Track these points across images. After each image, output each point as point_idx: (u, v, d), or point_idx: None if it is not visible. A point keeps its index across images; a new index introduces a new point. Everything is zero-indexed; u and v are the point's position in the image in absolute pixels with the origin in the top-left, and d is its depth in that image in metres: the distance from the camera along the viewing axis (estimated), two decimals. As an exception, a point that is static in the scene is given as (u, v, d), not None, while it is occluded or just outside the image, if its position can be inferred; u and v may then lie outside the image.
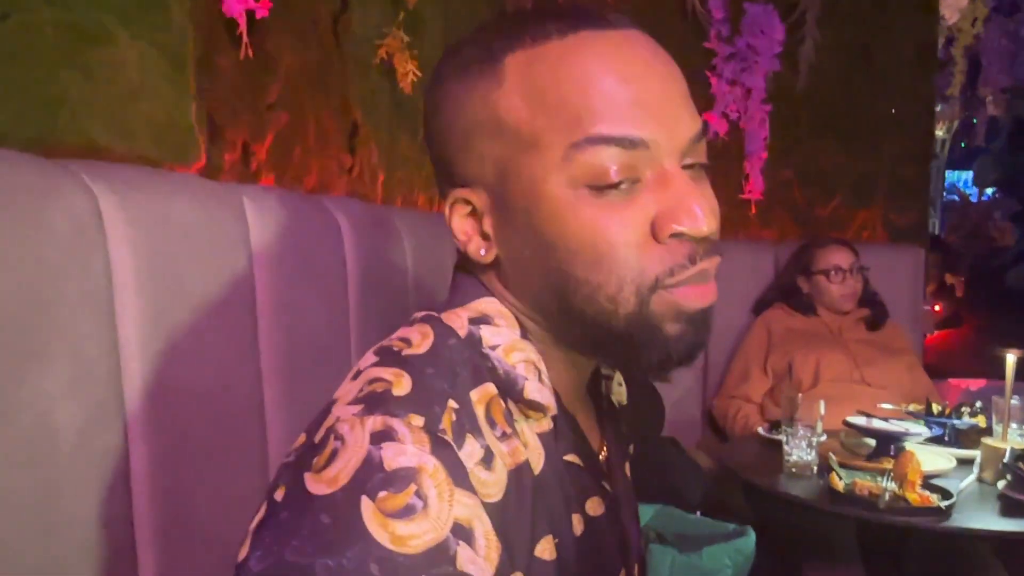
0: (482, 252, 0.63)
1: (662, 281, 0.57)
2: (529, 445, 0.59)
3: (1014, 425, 1.78)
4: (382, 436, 0.50)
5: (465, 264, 0.67)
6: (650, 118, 0.56)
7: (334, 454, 0.50)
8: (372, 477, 0.48)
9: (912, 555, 1.75)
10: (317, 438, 0.52)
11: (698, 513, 1.67)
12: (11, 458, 0.68)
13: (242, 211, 1.05)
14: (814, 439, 1.75)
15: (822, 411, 1.76)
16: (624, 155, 0.56)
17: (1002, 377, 1.82)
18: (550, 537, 0.58)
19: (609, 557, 0.67)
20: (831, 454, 1.73)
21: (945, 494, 1.54)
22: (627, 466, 0.80)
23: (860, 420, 1.88)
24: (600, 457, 0.70)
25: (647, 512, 1.61)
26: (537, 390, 0.60)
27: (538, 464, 0.59)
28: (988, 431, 1.86)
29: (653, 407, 2.03)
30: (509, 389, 0.59)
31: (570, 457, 0.63)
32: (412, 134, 1.96)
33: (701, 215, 0.56)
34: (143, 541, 0.84)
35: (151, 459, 0.85)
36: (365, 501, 0.48)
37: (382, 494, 0.48)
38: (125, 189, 0.85)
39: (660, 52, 0.60)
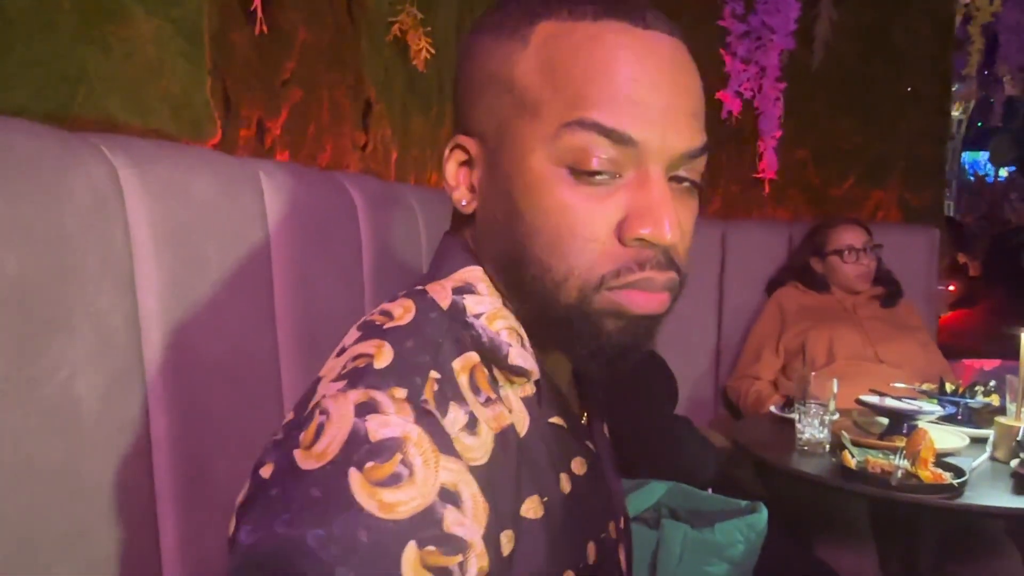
0: (464, 203, 0.65)
1: (607, 282, 0.59)
2: (514, 410, 0.61)
3: (1028, 404, 1.78)
4: (366, 408, 0.51)
5: (454, 219, 0.69)
6: (647, 120, 0.57)
7: (320, 429, 0.51)
8: (359, 449, 0.50)
9: (924, 533, 1.76)
10: (303, 414, 0.54)
11: (710, 490, 1.68)
12: (35, 427, 0.69)
13: (259, 186, 1.06)
14: (826, 417, 1.75)
15: (835, 389, 1.76)
16: (611, 148, 0.57)
17: (1016, 357, 1.82)
18: (536, 497, 0.59)
19: (596, 512, 0.69)
20: (843, 432, 1.73)
21: (958, 472, 1.54)
22: (605, 427, 0.82)
23: (873, 399, 1.88)
24: (583, 419, 0.72)
25: (660, 489, 1.61)
26: (520, 356, 0.62)
27: (523, 427, 0.61)
28: (1001, 410, 1.86)
29: (667, 386, 2.03)
30: (494, 356, 0.61)
31: (555, 419, 0.65)
32: (425, 112, 1.96)
33: (667, 226, 0.57)
34: (164, 508, 0.85)
35: (171, 428, 0.86)
36: (353, 472, 0.49)
37: (369, 464, 0.49)
38: (144, 162, 0.86)
39: (685, 64, 0.61)
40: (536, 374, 0.63)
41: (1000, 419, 1.77)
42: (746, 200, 2.91)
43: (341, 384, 0.54)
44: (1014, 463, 1.63)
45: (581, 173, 0.58)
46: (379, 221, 1.38)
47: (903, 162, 2.92)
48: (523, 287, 0.62)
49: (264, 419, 1.03)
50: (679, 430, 1.97)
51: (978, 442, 1.79)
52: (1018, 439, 1.67)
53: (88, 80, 0.96)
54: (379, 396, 0.52)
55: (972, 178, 7.43)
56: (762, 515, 1.52)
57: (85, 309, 0.75)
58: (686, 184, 0.62)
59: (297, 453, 0.51)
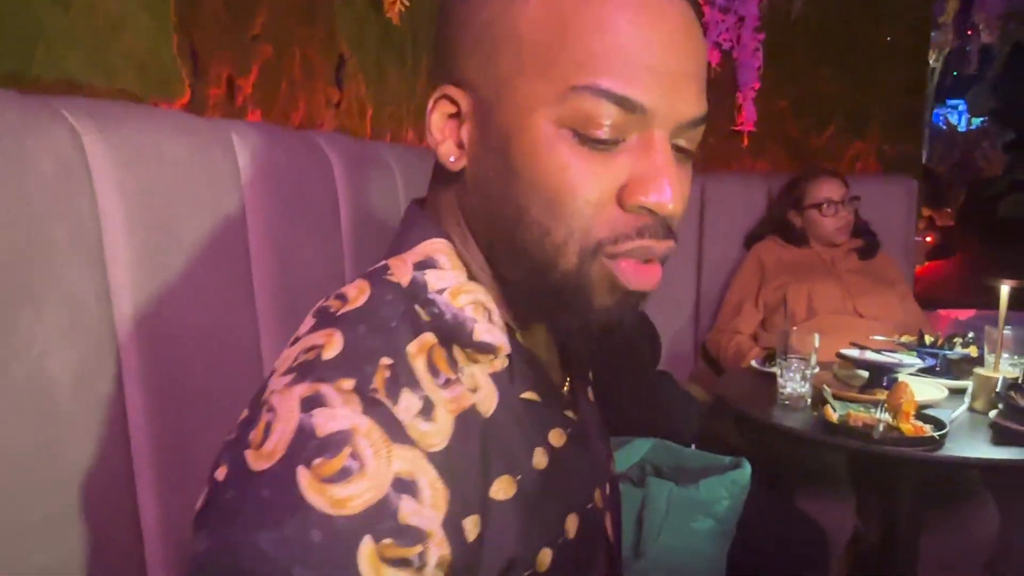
0: (452, 159, 0.61)
1: (604, 247, 0.57)
2: (480, 388, 0.59)
3: (1005, 355, 1.79)
4: (312, 403, 0.50)
5: (436, 176, 0.66)
6: (657, 86, 0.55)
7: (268, 427, 0.50)
8: (306, 446, 0.48)
9: (902, 484, 1.78)
10: (254, 412, 0.52)
11: (693, 446, 1.68)
12: (7, 409, 0.66)
13: (231, 147, 1.02)
14: (808, 371, 1.76)
15: (816, 343, 1.76)
16: (620, 115, 0.55)
17: (991, 307, 1.83)
18: (507, 477, 0.57)
19: (580, 481, 0.67)
20: (825, 386, 1.74)
21: (938, 424, 1.55)
22: (590, 391, 0.80)
23: (853, 352, 1.88)
24: (564, 387, 0.70)
25: (643, 447, 1.62)
26: (487, 331, 0.60)
27: (490, 406, 0.59)
28: (980, 361, 1.87)
29: (649, 342, 2.03)
30: (457, 333, 0.58)
31: (527, 395, 0.63)
32: (400, 67, 1.91)
33: (670, 194, 0.56)
34: (143, 487, 0.83)
35: (148, 405, 0.83)
36: (301, 471, 0.48)
37: (317, 461, 0.48)
38: (109, 126, 0.82)
39: (695, 29, 0.58)
40: (505, 349, 0.61)
41: (979, 370, 1.78)
42: (725, 152, 2.89)
43: (288, 379, 0.52)
44: (992, 414, 1.64)
45: (587, 138, 0.55)
46: (356, 181, 1.34)
47: (882, 112, 2.90)
48: (517, 251, 0.59)
49: (245, 393, 0.99)
50: (662, 386, 1.98)
51: (957, 393, 1.81)
52: (996, 390, 1.68)
53: (46, 38, 0.91)
54: (325, 389, 0.51)
55: (944, 127, 7.44)
56: (745, 471, 1.53)
57: (53, 283, 0.72)
58: (683, 153, 0.60)
59: (248, 454, 0.50)
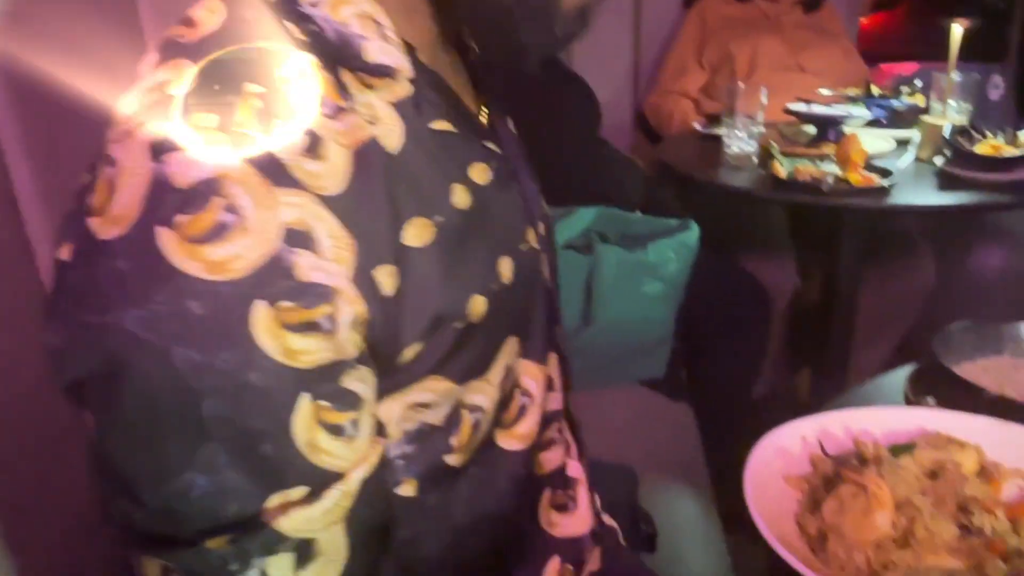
0: None
1: None
2: (380, 118, 0.49)
3: (952, 102, 1.75)
4: (164, 147, 0.41)
5: None
6: None
7: (112, 186, 0.41)
8: (165, 201, 0.40)
9: (843, 239, 1.78)
10: (91, 173, 0.44)
11: (638, 213, 1.63)
12: None
13: None
14: (754, 129, 1.69)
15: (764, 100, 1.68)
16: None
17: (935, 58, 1.76)
18: (422, 219, 0.49)
19: (510, 220, 0.59)
20: (772, 142, 1.69)
21: (886, 174, 1.53)
22: (510, 121, 0.71)
23: (800, 106, 1.83)
24: (481, 117, 0.61)
25: (588, 215, 1.56)
26: (381, 50, 0.49)
27: (395, 140, 0.49)
28: (926, 110, 1.83)
29: (588, 108, 1.92)
30: (343, 54, 0.48)
31: (439, 124, 0.53)
32: None
33: None
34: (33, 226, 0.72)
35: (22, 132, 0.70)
36: (163, 232, 0.40)
37: (181, 218, 0.40)
38: None
39: None
40: (406, 71, 0.50)
41: (925, 118, 1.75)
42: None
43: (130, 124, 0.43)
44: (939, 161, 1.62)
45: None
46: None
47: None
48: None
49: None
50: (602, 151, 1.90)
51: (904, 144, 1.78)
52: (944, 136, 1.65)
53: None
54: (179, 128, 0.41)
55: None
56: (693, 232, 1.49)
57: None
58: None
59: (93, 222, 0.41)
